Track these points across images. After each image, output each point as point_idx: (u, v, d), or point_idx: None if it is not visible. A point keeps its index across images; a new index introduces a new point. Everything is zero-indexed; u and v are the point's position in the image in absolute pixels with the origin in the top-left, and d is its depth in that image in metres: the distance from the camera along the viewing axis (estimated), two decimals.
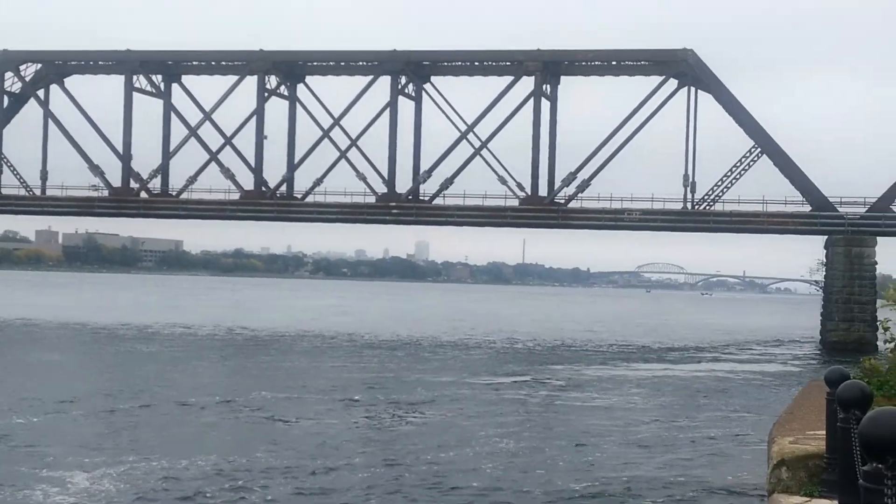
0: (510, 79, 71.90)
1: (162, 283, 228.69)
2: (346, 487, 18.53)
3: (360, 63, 75.10)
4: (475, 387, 36.79)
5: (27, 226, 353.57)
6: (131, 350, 50.43)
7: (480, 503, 17.63)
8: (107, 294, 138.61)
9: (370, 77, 73.91)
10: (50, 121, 78.40)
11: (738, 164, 69.59)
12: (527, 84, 71.41)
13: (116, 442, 22.85)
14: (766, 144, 68.78)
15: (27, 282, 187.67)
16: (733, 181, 69.71)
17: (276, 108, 77.06)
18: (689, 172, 69.49)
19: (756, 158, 69.09)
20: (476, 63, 74.01)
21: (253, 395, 31.68)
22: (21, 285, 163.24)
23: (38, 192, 79.63)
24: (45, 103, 78.96)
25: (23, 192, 79.87)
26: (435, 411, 29.53)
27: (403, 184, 73.87)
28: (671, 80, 69.38)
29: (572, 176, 70.99)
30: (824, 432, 10.12)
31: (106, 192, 77.99)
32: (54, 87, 78.80)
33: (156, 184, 78.11)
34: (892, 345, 16.96)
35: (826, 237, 67.81)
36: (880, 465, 5.06)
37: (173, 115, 77.56)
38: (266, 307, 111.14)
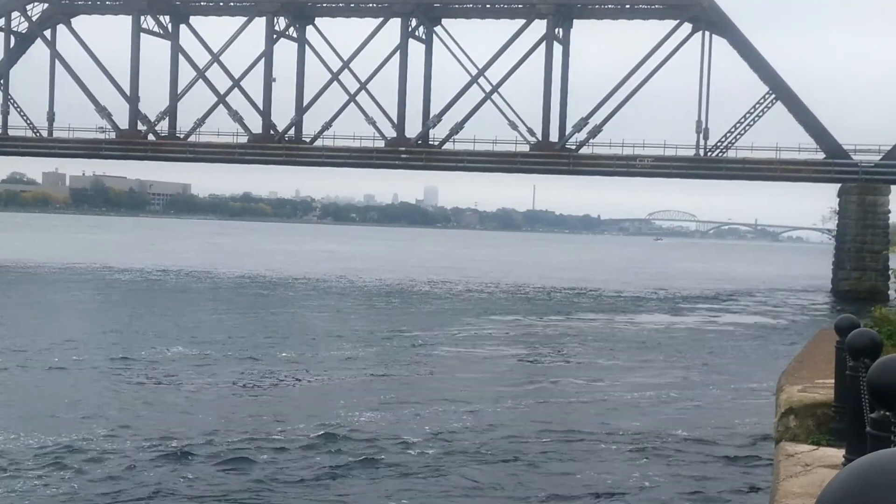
0: (522, 22, 71.15)
1: (163, 226, 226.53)
2: (293, 440, 18.20)
3: (371, 5, 74.32)
4: (464, 338, 35.95)
5: (34, 168, 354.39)
6: (46, 295, 46.24)
7: (478, 461, 17.18)
8: (90, 237, 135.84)
9: (380, 19, 73.20)
10: (57, 62, 77.99)
11: (752, 111, 68.97)
12: (539, 28, 70.75)
13: None
14: (780, 90, 68.06)
15: (22, 224, 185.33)
16: (747, 128, 69.16)
17: (285, 51, 76.68)
18: (703, 119, 69.01)
19: (770, 105, 68.43)
20: (487, 6, 73.17)
21: (144, 352, 27.83)
22: (12, 227, 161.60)
23: (45, 133, 79.48)
24: (51, 44, 78.47)
25: (30, 133, 79.73)
26: (412, 366, 28.50)
27: (413, 128, 73.51)
28: (685, 24, 68.57)
29: (584, 121, 70.45)
30: (833, 381, 10.07)
31: (113, 135, 77.73)
32: (61, 28, 78.32)
33: (163, 126, 77.85)
34: None
35: (839, 185, 67.29)
36: (888, 413, 5.22)
37: (181, 57, 77.05)
38: (247, 252, 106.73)
